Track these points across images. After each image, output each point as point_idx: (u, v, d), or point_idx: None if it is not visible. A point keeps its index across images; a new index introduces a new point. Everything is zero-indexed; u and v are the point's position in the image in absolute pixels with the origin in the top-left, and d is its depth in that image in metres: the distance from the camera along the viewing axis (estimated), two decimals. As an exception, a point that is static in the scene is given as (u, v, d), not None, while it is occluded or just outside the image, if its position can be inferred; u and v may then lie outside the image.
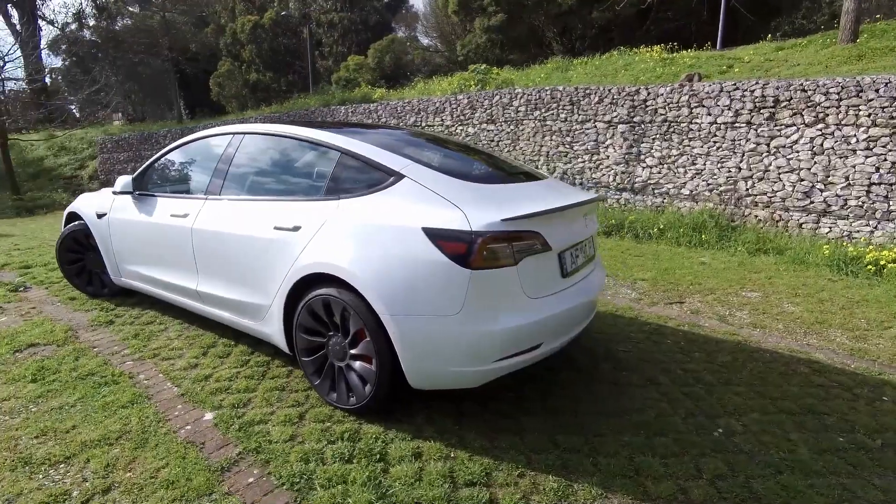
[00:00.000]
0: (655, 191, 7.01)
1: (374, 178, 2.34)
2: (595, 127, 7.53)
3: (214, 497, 1.86)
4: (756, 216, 6.10)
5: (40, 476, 1.97)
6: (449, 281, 2.00)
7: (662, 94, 6.79)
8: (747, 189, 6.14)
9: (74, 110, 28.29)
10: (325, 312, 2.33)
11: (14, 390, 2.61)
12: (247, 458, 2.07)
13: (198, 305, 3.09)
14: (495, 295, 2.04)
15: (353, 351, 2.29)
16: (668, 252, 5.81)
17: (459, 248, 1.99)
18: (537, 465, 2.06)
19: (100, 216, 3.66)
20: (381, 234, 2.16)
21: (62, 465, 2.03)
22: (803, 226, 5.74)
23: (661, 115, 6.82)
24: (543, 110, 8.10)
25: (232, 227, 2.72)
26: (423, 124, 9.90)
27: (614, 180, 7.41)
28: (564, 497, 1.89)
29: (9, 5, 22.76)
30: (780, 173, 5.86)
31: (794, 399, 2.63)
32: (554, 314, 2.21)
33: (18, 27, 22.44)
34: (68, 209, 4.02)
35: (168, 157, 3.39)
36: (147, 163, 3.48)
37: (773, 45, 8.79)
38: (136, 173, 3.49)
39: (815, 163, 5.61)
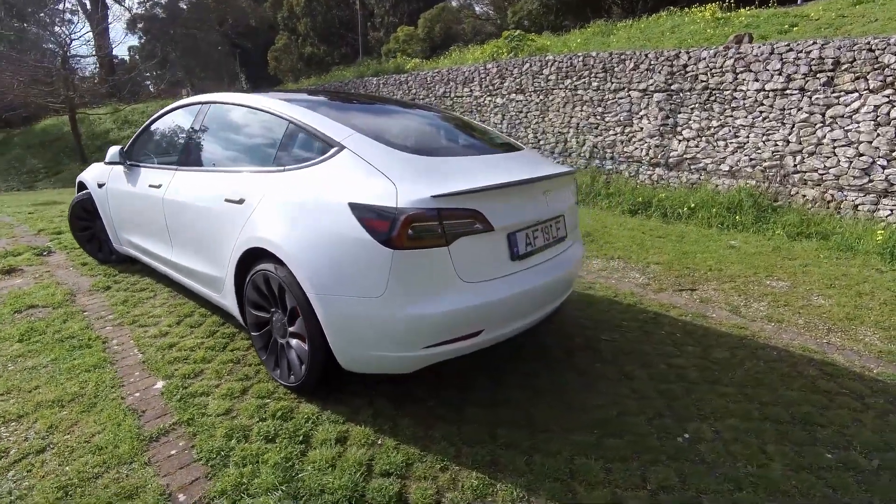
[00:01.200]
0: (692, 166, 6.42)
1: (317, 149, 2.21)
2: (629, 96, 6.95)
3: (134, 466, 1.88)
4: (804, 195, 5.43)
5: (-10, 432, 2.08)
6: (372, 261, 1.87)
7: (705, 59, 6.12)
8: (795, 165, 5.46)
9: (150, 86, 30.20)
10: (266, 288, 2.27)
11: (0, 349, 2.78)
12: (178, 430, 2.08)
13: (175, 274, 3.15)
14: (422, 277, 1.88)
15: (290, 329, 2.23)
16: (695, 234, 5.32)
17: (382, 225, 1.84)
18: (465, 460, 1.93)
19: (100, 185, 3.80)
20: (312, 209, 2.05)
21: (13, 423, 2.14)
22: (859, 207, 5.05)
23: (702, 81, 6.16)
24: (575, 78, 7.57)
25: (193, 199, 2.71)
26: (452, 95, 9.60)
27: (647, 154, 6.85)
28: (481, 496, 1.75)
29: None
30: (835, 147, 5.15)
31: (787, 405, 2.32)
32: (499, 300, 2.03)
33: (88, 6, 23.84)
34: (78, 178, 4.22)
35: (151, 127, 3.43)
36: (136, 133, 3.54)
37: (851, -1, 7.65)
38: (127, 144, 3.58)
39: (879, 135, 4.86)
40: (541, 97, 8.09)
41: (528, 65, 8.21)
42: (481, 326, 2.03)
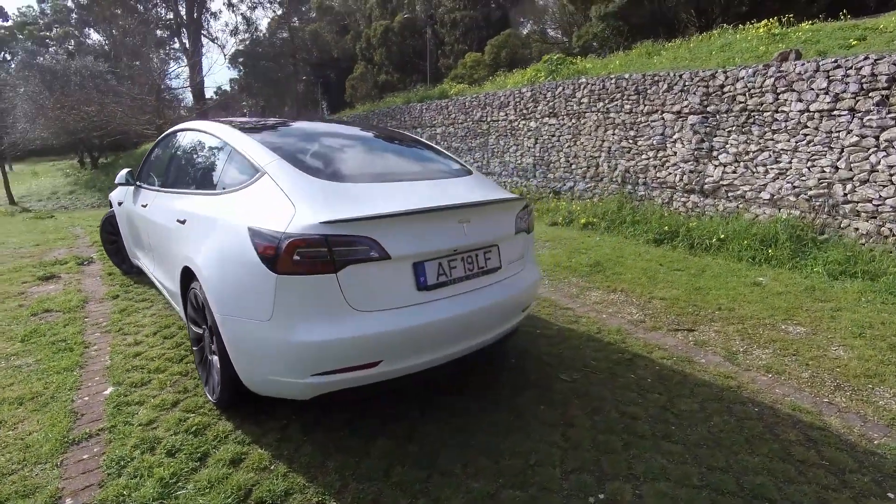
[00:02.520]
0: (729, 194, 5.88)
1: (246, 174, 2.31)
2: (662, 119, 6.57)
3: (46, 467, 2.01)
4: (856, 228, 4.76)
5: (-48, 423, 2.32)
6: (261, 285, 1.89)
7: (743, 78, 5.65)
8: (845, 194, 4.82)
9: (247, 114, 33.83)
10: (196, 305, 2.37)
11: (2, 347, 3.12)
12: (100, 436, 2.20)
13: (159, 286, 3.38)
14: (308, 303, 1.87)
15: (213, 346, 2.30)
16: (720, 268, 4.83)
17: (269, 250, 1.86)
18: (347, 496, 1.85)
19: (120, 204, 4.21)
20: (223, 231, 2.13)
21: (-26, 417, 2.37)
22: (923, 245, 4.33)
23: (740, 103, 5.68)
24: (607, 101, 7.30)
25: (161, 218, 2.92)
26: (489, 119, 9.62)
27: (681, 180, 6.39)
28: (343, 538, 1.67)
29: (182, 29, 27.49)
30: (892, 175, 4.49)
31: (740, 473, 2.00)
32: (399, 330, 1.96)
33: (187, 45, 26.97)
34: (110, 195, 4.70)
35: (153, 151, 3.76)
36: (145, 157, 3.90)
37: (937, 8, 6.73)
38: (137, 167, 3.95)
39: (946, 161, 4.18)
40: (573, 120, 7.87)
41: (560, 88, 8.05)
42: (378, 357, 1.97)
